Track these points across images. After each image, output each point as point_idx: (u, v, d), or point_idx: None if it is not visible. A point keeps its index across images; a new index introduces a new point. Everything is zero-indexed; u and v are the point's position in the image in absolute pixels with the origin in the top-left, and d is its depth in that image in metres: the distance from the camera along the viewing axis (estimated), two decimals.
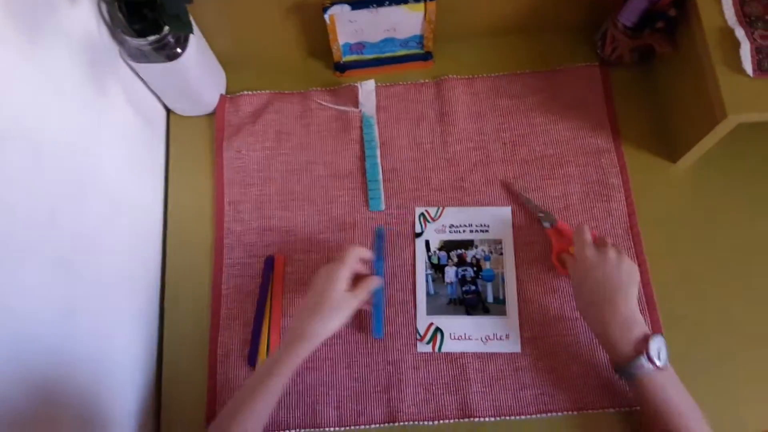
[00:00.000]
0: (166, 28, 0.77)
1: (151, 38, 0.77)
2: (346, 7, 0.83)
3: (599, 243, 0.75)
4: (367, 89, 0.92)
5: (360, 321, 0.83)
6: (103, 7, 0.76)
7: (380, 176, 0.89)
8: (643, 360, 0.66)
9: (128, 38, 0.77)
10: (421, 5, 0.85)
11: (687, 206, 0.86)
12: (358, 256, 0.75)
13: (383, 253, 0.85)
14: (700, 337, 0.80)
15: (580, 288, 0.74)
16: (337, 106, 0.93)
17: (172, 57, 0.80)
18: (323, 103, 0.93)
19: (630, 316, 0.69)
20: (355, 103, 0.93)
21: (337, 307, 0.71)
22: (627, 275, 0.71)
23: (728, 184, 0.86)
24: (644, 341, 0.67)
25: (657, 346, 0.67)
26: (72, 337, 0.66)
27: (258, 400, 0.66)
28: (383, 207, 0.88)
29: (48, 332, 0.61)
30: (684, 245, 0.84)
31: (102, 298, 0.73)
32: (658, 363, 0.66)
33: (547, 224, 0.85)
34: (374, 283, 0.76)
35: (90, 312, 0.69)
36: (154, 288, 0.86)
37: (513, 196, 0.88)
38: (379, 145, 0.91)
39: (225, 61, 0.96)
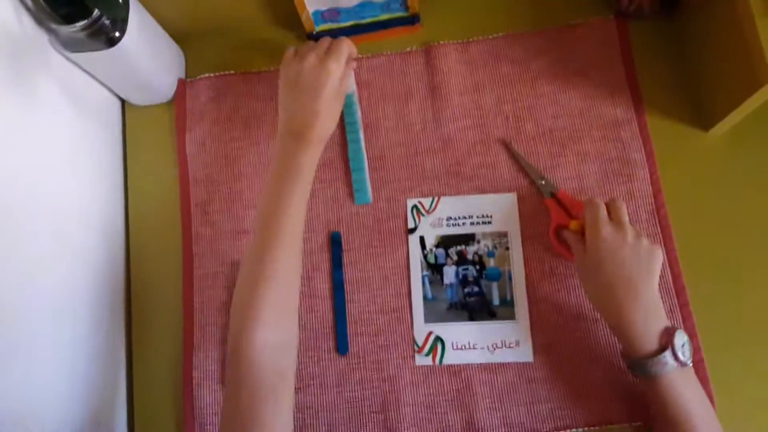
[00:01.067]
0: (96, 10, 0.65)
1: (81, 24, 0.65)
2: None
3: (614, 218, 0.65)
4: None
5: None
6: None
7: (365, 164, 0.77)
8: (668, 356, 0.58)
9: (55, 26, 0.66)
10: None
11: (722, 181, 0.73)
12: (348, 49, 0.69)
13: (341, 263, 0.75)
14: (738, 331, 0.69)
15: (595, 273, 0.63)
16: None
17: (112, 42, 0.69)
18: None
19: (654, 305, 0.61)
20: None
21: (334, 107, 0.68)
22: (648, 258, 0.62)
23: None
24: (668, 335, 0.59)
25: (682, 340, 0.59)
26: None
27: (287, 216, 0.62)
28: (371, 199, 0.77)
29: None
30: (719, 227, 0.72)
31: (45, 338, 0.64)
32: (683, 359, 0.58)
33: (547, 194, 0.74)
34: (350, 51, 0.70)
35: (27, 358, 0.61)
36: (117, 311, 0.77)
37: (515, 164, 0.77)
38: (362, 127, 0.79)
39: (181, 38, 0.84)
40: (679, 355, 0.58)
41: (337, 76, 0.65)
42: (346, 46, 0.68)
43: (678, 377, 0.58)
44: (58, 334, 0.66)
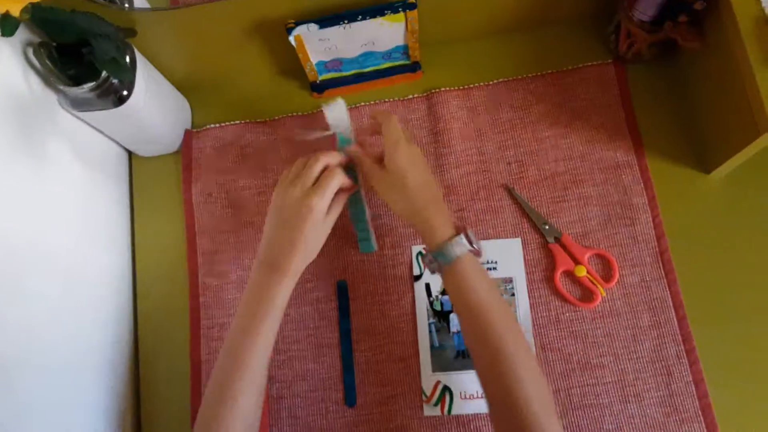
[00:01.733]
0: (104, 72, 0.66)
1: (89, 85, 0.66)
2: (314, 26, 0.71)
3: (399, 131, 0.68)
4: (335, 110, 0.73)
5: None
6: (31, 53, 0.66)
7: (367, 215, 0.76)
8: (463, 237, 0.62)
9: (64, 87, 0.67)
10: (401, 15, 0.72)
11: (725, 223, 0.74)
12: (339, 184, 0.66)
13: (348, 312, 0.76)
14: (744, 374, 0.69)
15: (401, 185, 0.65)
16: (307, 136, 0.78)
17: (121, 101, 0.70)
18: (297, 137, 0.82)
19: (440, 197, 0.67)
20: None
21: (316, 239, 0.66)
22: (421, 157, 0.68)
23: None
24: (459, 224, 0.65)
25: (471, 230, 0.63)
26: None
27: (254, 350, 0.61)
28: (376, 247, 0.78)
29: None
30: (723, 269, 0.72)
31: (56, 393, 0.64)
32: (476, 245, 0.63)
33: (551, 239, 0.75)
34: (345, 190, 0.68)
35: (41, 418, 0.61)
36: (126, 362, 0.77)
37: (518, 209, 0.77)
38: (361, 180, 0.79)
39: (187, 89, 0.86)
40: (472, 239, 0.62)
41: (319, 211, 0.63)
42: (336, 180, 0.65)
43: (472, 261, 0.62)
44: (65, 391, 0.66)
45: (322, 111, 0.81)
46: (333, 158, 0.68)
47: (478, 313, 0.59)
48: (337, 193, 0.66)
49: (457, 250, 0.61)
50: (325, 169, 0.66)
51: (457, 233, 0.62)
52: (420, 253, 0.77)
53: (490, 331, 0.58)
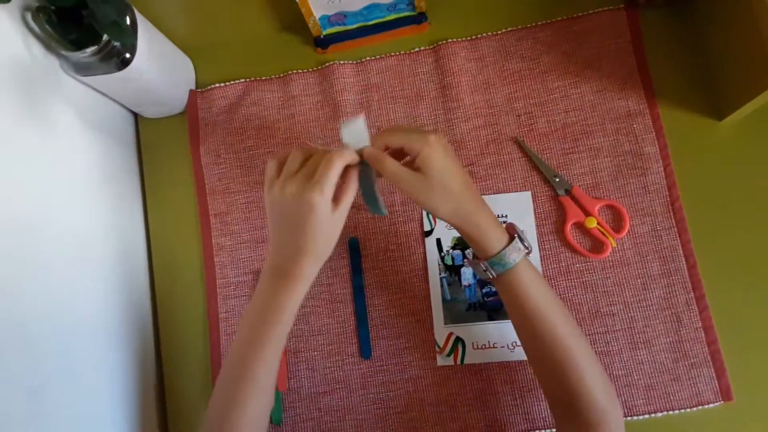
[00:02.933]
0: (105, 35, 0.65)
1: (91, 49, 0.65)
2: None
3: (422, 130, 0.59)
4: (354, 129, 0.57)
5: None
6: (29, 18, 0.64)
7: (373, 177, 0.63)
8: (518, 241, 0.59)
9: (65, 52, 0.66)
10: None
11: (738, 172, 0.73)
12: (339, 173, 0.55)
13: (361, 268, 0.76)
14: (754, 321, 0.70)
15: (444, 190, 0.57)
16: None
17: (123, 64, 0.69)
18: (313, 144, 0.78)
19: (482, 198, 0.61)
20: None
21: (326, 239, 0.58)
22: (452, 151, 0.59)
23: None
24: (508, 225, 0.61)
25: (519, 226, 0.61)
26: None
27: (260, 362, 0.58)
28: (386, 212, 0.75)
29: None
30: (733, 218, 0.72)
31: (78, 363, 0.66)
32: (527, 243, 0.60)
33: (561, 191, 0.75)
34: (352, 167, 0.58)
35: (63, 386, 0.63)
36: (144, 324, 0.79)
37: (528, 162, 0.77)
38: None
39: (189, 48, 0.84)
40: (525, 239, 0.60)
41: (323, 207, 0.54)
42: (335, 169, 0.55)
43: (528, 266, 0.59)
44: (87, 354, 0.68)
45: (330, 66, 0.81)
46: (346, 158, 0.56)
47: (539, 320, 0.58)
48: (344, 177, 0.57)
49: (516, 257, 0.58)
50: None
51: (510, 237, 0.59)
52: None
53: (553, 337, 0.58)
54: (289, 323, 0.60)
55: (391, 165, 0.57)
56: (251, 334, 0.59)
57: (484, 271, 0.60)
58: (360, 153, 0.58)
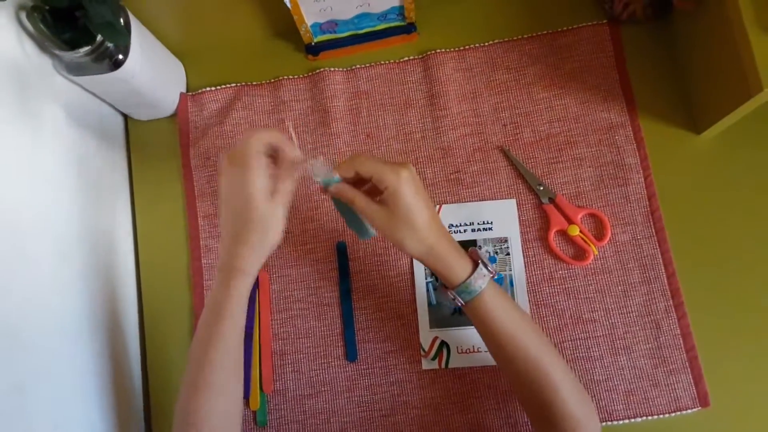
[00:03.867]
0: (100, 36, 0.65)
1: (85, 49, 0.66)
2: None
3: (388, 162, 0.58)
4: (318, 168, 0.59)
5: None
6: (24, 17, 0.65)
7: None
8: (482, 267, 0.59)
9: (59, 52, 0.66)
10: None
11: (715, 183, 0.75)
12: (261, 144, 0.56)
13: (348, 272, 0.77)
14: (732, 329, 0.72)
15: (409, 223, 0.57)
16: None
17: (116, 65, 0.70)
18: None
19: (444, 227, 0.62)
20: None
21: (263, 228, 0.57)
22: (418, 182, 0.58)
23: (765, 154, 0.75)
24: (470, 251, 0.61)
25: (483, 250, 0.62)
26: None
27: (215, 357, 0.57)
28: (374, 232, 0.67)
29: None
30: (712, 228, 0.74)
31: (63, 361, 0.66)
32: (491, 268, 0.61)
33: (545, 199, 0.76)
34: (296, 165, 0.58)
35: (45, 385, 0.62)
36: (130, 326, 0.79)
37: (513, 170, 0.78)
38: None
39: (181, 52, 0.85)
40: (488, 264, 0.60)
41: (256, 191, 0.55)
42: (252, 146, 0.55)
43: (494, 289, 0.60)
44: (69, 357, 0.67)
45: (320, 73, 0.83)
46: (264, 136, 0.57)
47: (510, 340, 0.59)
48: (280, 167, 0.58)
49: (481, 283, 0.59)
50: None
51: (474, 264, 0.60)
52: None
53: (525, 357, 0.59)
54: (237, 318, 0.59)
55: (360, 201, 0.58)
56: (203, 332, 0.59)
57: (453, 299, 0.61)
58: (332, 192, 0.60)
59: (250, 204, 0.55)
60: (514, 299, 0.68)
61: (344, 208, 0.62)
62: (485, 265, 0.60)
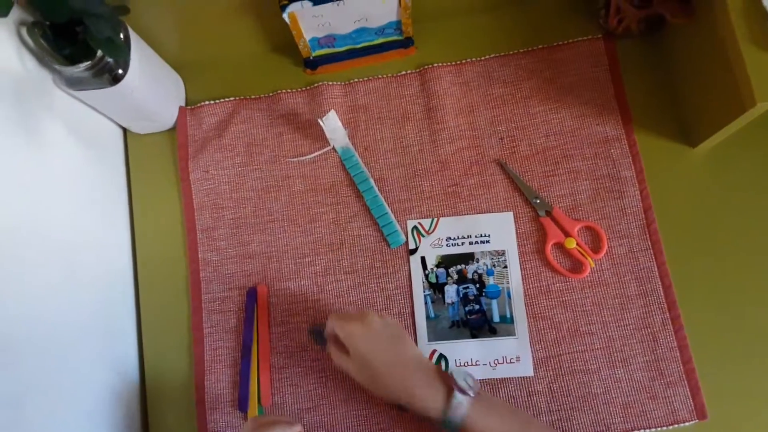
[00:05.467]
0: (99, 51, 0.66)
1: (85, 64, 0.66)
2: (308, 3, 0.71)
3: (351, 317, 0.65)
4: (331, 124, 0.78)
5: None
6: (24, 33, 0.65)
7: (387, 207, 0.79)
8: (457, 395, 0.59)
9: (59, 67, 0.67)
10: None
11: (711, 196, 0.76)
12: None
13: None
14: (728, 342, 0.72)
15: (373, 371, 0.62)
16: (309, 156, 0.82)
17: (116, 80, 0.70)
18: (294, 159, 0.82)
19: (418, 360, 0.63)
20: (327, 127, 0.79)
21: None
22: (393, 327, 0.65)
23: (759, 167, 0.76)
24: (445, 376, 0.62)
25: (461, 375, 0.60)
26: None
27: None
28: (404, 239, 0.79)
29: None
30: (708, 240, 0.75)
31: (60, 373, 0.66)
32: (470, 392, 0.59)
33: (542, 212, 0.77)
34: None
35: (43, 398, 0.62)
36: (128, 338, 0.79)
37: (510, 183, 0.79)
38: (370, 175, 0.80)
39: (180, 66, 0.86)
40: (465, 387, 0.59)
41: None
42: None
43: (481, 407, 0.59)
44: (67, 368, 0.67)
45: (318, 87, 0.84)
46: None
47: None
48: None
49: (462, 410, 0.59)
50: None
51: (449, 392, 0.59)
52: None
53: None
54: None
55: (333, 352, 0.65)
56: None
57: (442, 430, 0.61)
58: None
59: None
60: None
61: (377, 206, 0.79)
62: (461, 390, 0.59)
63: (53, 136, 0.71)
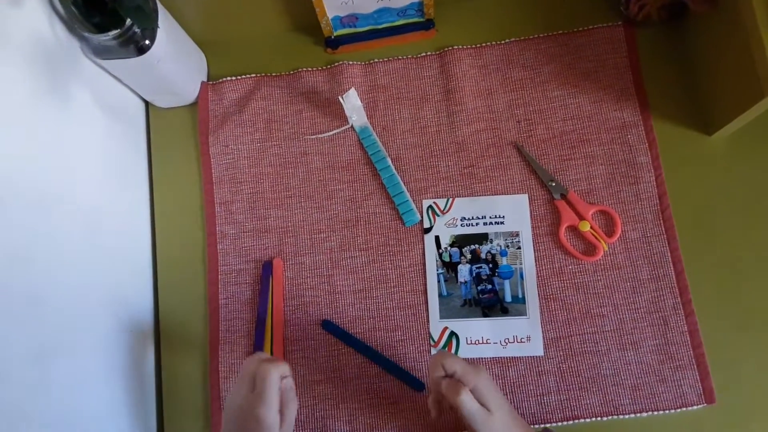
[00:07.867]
0: (129, 20, 0.67)
1: (113, 33, 0.67)
2: None
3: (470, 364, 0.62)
4: (351, 101, 0.79)
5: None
6: (56, 0, 0.67)
7: (403, 186, 0.80)
8: None
9: (88, 34, 0.68)
10: None
11: (725, 185, 0.77)
12: (278, 384, 0.58)
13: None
14: (739, 328, 0.73)
15: (502, 421, 0.60)
16: (327, 133, 0.83)
17: (142, 50, 0.71)
18: (313, 136, 0.83)
19: (523, 425, 0.62)
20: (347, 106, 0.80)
21: None
22: (493, 385, 0.62)
23: None
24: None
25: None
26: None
27: None
28: (419, 218, 0.80)
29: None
30: (721, 228, 0.76)
31: (82, 331, 0.67)
32: None
33: (557, 195, 0.78)
34: (290, 391, 0.61)
35: (66, 359, 0.64)
36: (145, 307, 0.80)
37: (526, 166, 0.80)
38: (387, 154, 0.82)
39: (203, 43, 0.87)
40: None
41: (270, 419, 0.56)
42: (274, 386, 0.57)
43: None
44: (85, 331, 0.68)
45: (339, 66, 0.85)
46: (280, 369, 0.59)
47: None
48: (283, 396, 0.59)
49: None
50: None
51: None
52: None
53: None
54: None
55: (468, 400, 0.59)
56: None
57: None
58: (439, 386, 0.61)
59: (264, 429, 0.56)
60: None
61: (392, 184, 0.80)
62: None
63: (80, 103, 0.72)
